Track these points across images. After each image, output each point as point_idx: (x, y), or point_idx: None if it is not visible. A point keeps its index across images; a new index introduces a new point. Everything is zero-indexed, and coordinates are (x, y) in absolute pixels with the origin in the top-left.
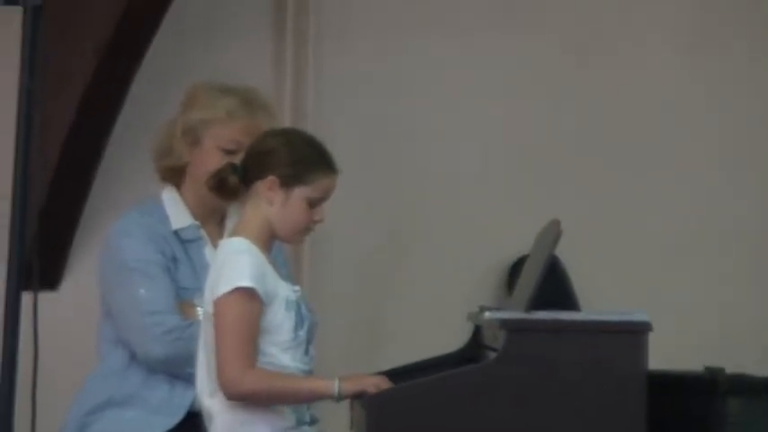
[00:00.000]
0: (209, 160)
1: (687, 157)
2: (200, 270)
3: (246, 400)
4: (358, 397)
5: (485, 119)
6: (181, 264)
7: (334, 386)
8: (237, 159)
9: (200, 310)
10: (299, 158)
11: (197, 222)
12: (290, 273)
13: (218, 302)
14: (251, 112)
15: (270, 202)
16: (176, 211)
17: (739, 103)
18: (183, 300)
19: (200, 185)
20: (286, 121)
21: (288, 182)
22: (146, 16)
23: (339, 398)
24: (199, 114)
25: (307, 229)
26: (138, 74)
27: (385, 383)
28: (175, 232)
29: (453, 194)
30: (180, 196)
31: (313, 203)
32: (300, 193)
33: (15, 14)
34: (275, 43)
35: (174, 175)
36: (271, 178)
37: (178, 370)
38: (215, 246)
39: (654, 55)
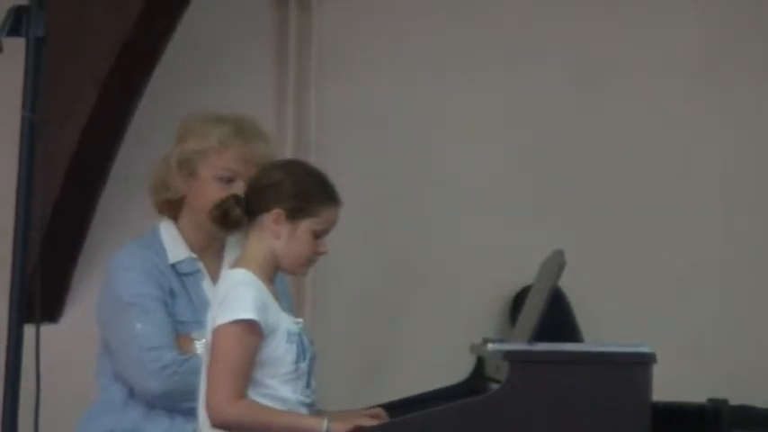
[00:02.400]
0: (207, 190)
1: (694, 187)
2: (197, 303)
3: (229, 429)
4: None
5: (488, 150)
6: (178, 297)
7: (322, 426)
8: (235, 187)
9: (198, 344)
10: (305, 191)
11: (194, 255)
12: (292, 303)
13: (216, 332)
14: (244, 140)
15: (276, 234)
16: (173, 244)
17: (748, 131)
18: (181, 334)
19: (198, 217)
20: (288, 153)
21: (294, 215)
22: (147, 48)
23: None
24: (192, 146)
25: (311, 261)
26: (140, 106)
27: (379, 418)
28: (173, 266)
29: (456, 225)
30: (177, 229)
31: (318, 235)
32: (307, 225)
33: (18, 46)
34: (277, 74)
35: (172, 209)
36: (277, 211)
37: (176, 405)
38: (213, 278)
39: (659, 84)
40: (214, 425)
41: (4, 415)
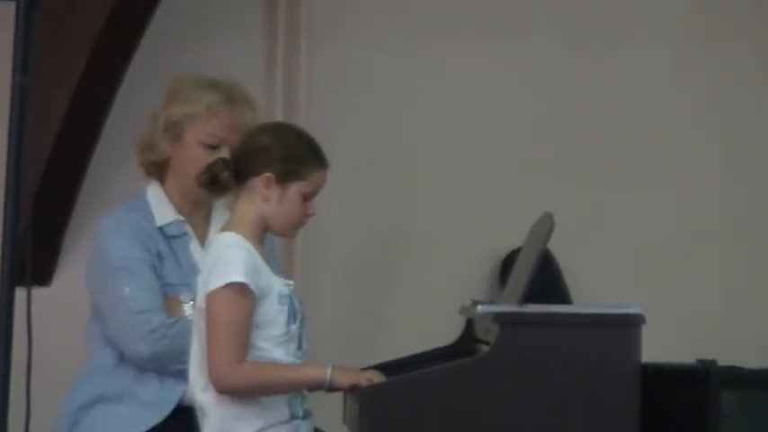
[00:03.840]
0: (192, 155)
1: (684, 152)
2: (185, 266)
3: (237, 393)
4: (350, 391)
5: (477, 114)
6: (166, 260)
7: (327, 373)
8: (220, 154)
9: (186, 307)
10: (294, 154)
11: (182, 218)
12: (280, 264)
13: (210, 297)
14: (232, 107)
15: (266, 198)
16: (160, 207)
17: (742, 100)
18: (169, 296)
19: (183, 180)
20: (278, 116)
21: (284, 178)
22: (136, 13)
23: (330, 386)
24: (180, 110)
25: (300, 223)
26: (129, 70)
27: (378, 378)
28: (160, 228)
29: (446, 189)
30: (164, 192)
31: (307, 197)
32: (297, 188)
33: (8, 10)
34: (267, 38)
35: (158, 170)
36: (267, 175)
37: (166, 367)
38: (201, 241)
39: (653, 53)
40: (220, 392)
41: None
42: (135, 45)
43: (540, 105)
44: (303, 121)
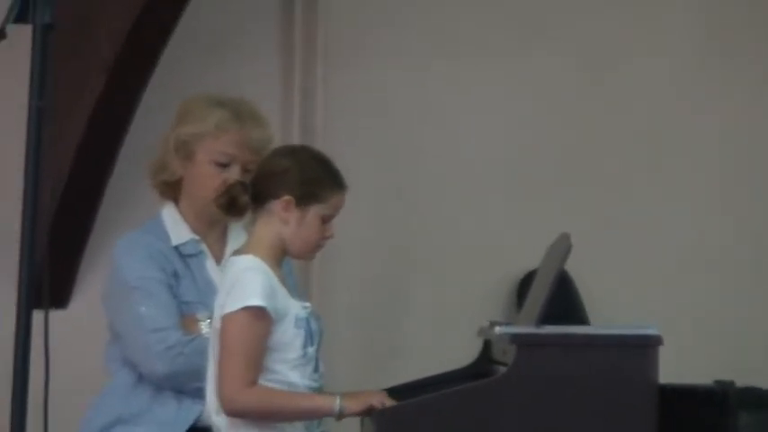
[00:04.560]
0: (203, 174)
1: (701, 169)
2: (201, 284)
3: (245, 417)
4: (364, 414)
5: (492, 135)
6: (183, 279)
7: (335, 404)
8: (231, 171)
9: (202, 325)
10: (313, 177)
11: (197, 237)
12: (298, 284)
13: (225, 319)
14: (241, 125)
15: (285, 221)
16: (175, 226)
17: (755, 117)
18: (186, 315)
19: (197, 199)
20: (294, 138)
21: (304, 201)
22: (153, 33)
23: (340, 416)
24: (189, 129)
25: (319, 245)
26: (147, 91)
27: (387, 400)
28: (176, 248)
29: (462, 209)
30: (178, 212)
31: (325, 220)
32: (316, 211)
33: (25, 33)
34: (284, 60)
35: (171, 191)
36: (287, 198)
37: (183, 385)
38: (216, 259)
39: (663, 67)
40: (229, 414)
41: (14, 400)
42: (152, 66)
43: (555, 125)
44: (320, 144)
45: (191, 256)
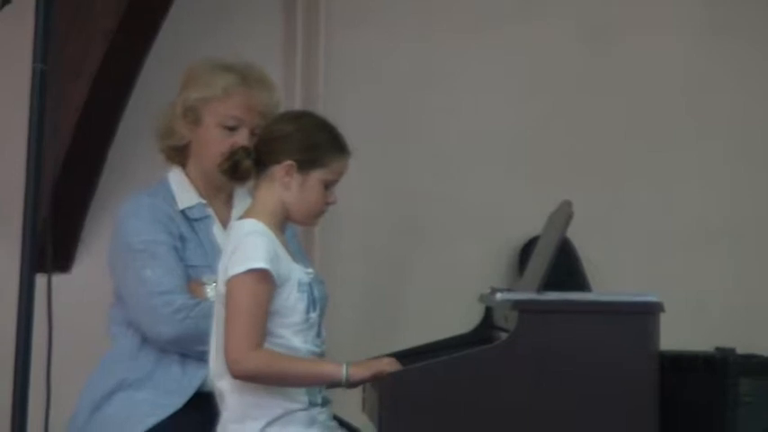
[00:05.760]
0: (211, 138)
1: (703, 140)
2: (208, 248)
3: (250, 379)
4: (372, 381)
5: (496, 102)
6: (189, 242)
7: (342, 371)
8: (239, 135)
9: (208, 289)
10: (315, 142)
11: (204, 201)
12: (302, 251)
13: (230, 283)
14: (248, 88)
15: (286, 186)
16: (182, 190)
17: (760, 90)
18: (192, 278)
19: (204, 163)
20: (297, 104)
21: (305, 166)
22: (155, 1)
23: (347, 383)
24: (197, 93)
25: (321, 211)
26: (148, 57)
27: (395, 366)
28: (182, 211)
29: (465, 176)
30: (186, 176)
31: (327, 185)
32: (317, 176)
33: None
34: (285, 25)
35: (179, 155)
36: (288, 163)
37: (189, 349)
38: (223, 223)
39: (671, 41)
40: (235, 376)
41: (17, 363)
42: (153, 32)
43: (558, 95)
44: (321, 110)
45: (197, 219)
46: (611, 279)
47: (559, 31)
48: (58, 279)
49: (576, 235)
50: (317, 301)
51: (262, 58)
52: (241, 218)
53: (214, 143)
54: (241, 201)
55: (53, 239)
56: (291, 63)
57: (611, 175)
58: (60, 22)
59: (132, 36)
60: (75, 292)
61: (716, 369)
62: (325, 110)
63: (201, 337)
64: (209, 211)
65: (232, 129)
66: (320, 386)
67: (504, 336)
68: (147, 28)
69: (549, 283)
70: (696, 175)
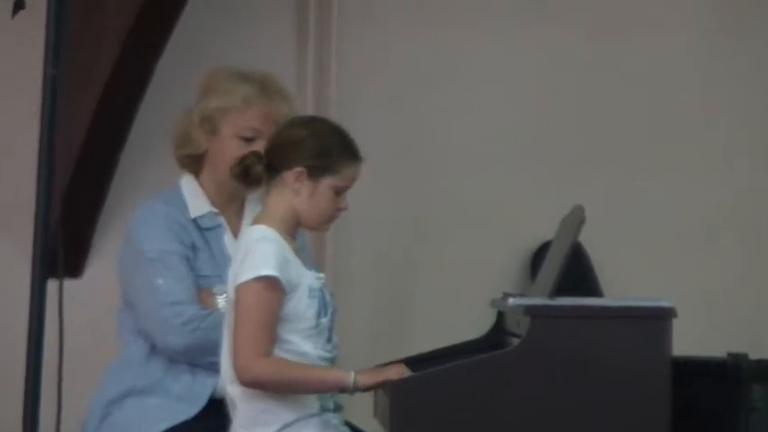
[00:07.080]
0: (228, 148)
1: (712, 141)
2: (219, 258)
3: (257, 387)
4: (380, 388)
5: (507, 106)
6: (200, 252)
7: (350, 379)
8: (256, 146)
9: (219, 299)
10: (326, 149)
11: (216, 210)
12: (311, 257)
13: (239, 289)
14: (267, 99)
15: (297, 192)
16: (195, 198)
17: (764, 89)
18: (203, 288)
19: (219, 173)
20: (309, 109)
21: (316, 173)
22: (167, 4)
23: (354, 390)
24: (215, 103)
25: (332, 217)
26: (160, 62)
27: (405, 371)
28: (194, 220)
29: (477, 181)
30: (198, 184)
31: (339, 192)
32: (328, 182)
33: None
34: (298, 30)
35: (193, 163)
36: (298, 169)
37: (198, 359)
38: (234, 233)
39: (677, 40)
40: (243, 384)
41: (28, 369)
42: (165, 37)
43: (570, 95)
44: (334, 114)
45: (209, 229)
46: (623, 283)
47: (570, 31)
48: (70, 284)
49: (588, 239)
50: (328, 307)
51: (274, 63)
52: (252, 224)
53: (231, 153)
54: (252, 210)
55: (64, 245)
56: (303, 67)
57: (623, 177)
58: (72, 26)
59: (144, 40)
60: (86, 298)
61: (728, 375)
62: (337, 115)
63: (212, 348)
64: (221, 220)
65: (249, 140)
66: (328, 393)
67: (516, 341)
68: (160, 32)
69: (562, 289)
70: (708, 175)
